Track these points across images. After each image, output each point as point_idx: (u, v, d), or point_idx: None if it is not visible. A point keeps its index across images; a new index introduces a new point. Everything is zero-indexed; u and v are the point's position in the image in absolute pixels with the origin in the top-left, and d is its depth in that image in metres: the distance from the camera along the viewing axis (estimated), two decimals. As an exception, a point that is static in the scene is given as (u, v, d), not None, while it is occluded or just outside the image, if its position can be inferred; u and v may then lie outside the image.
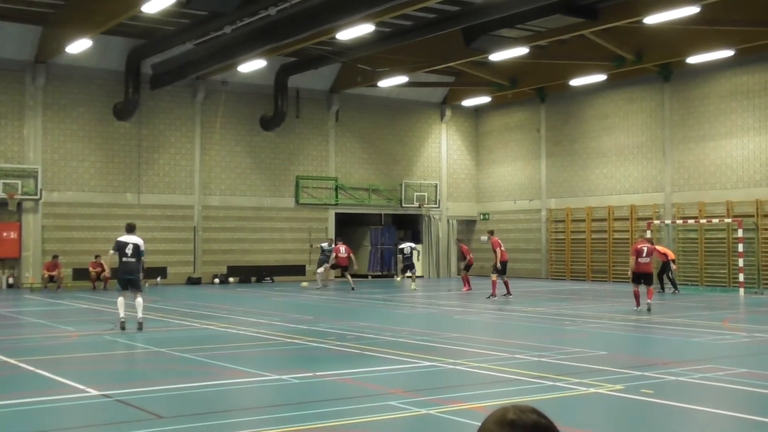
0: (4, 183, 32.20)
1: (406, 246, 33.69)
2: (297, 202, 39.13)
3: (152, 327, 18.29)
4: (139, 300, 17.30)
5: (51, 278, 32.08)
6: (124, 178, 35.35)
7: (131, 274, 17.35)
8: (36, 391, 10.73)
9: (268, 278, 37.15)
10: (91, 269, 32.64)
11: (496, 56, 32.15)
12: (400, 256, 33.90)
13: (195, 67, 32.87)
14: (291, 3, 26.06)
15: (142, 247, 17.49)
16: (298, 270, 38.34)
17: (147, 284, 31.86)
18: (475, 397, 10.20)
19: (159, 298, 27.28)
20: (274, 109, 37.84)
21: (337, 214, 40.20)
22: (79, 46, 30.26)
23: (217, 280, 36.58)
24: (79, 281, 33.25)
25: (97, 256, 32.36)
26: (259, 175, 38.44)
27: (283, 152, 39.04)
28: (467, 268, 31.01)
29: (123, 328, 16.93)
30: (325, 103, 39.92)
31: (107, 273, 31.89)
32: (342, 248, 32.77)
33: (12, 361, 13.11)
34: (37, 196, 33.14)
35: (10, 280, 33.04)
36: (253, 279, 36.84)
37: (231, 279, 36.74)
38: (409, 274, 33.07)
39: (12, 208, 32.75)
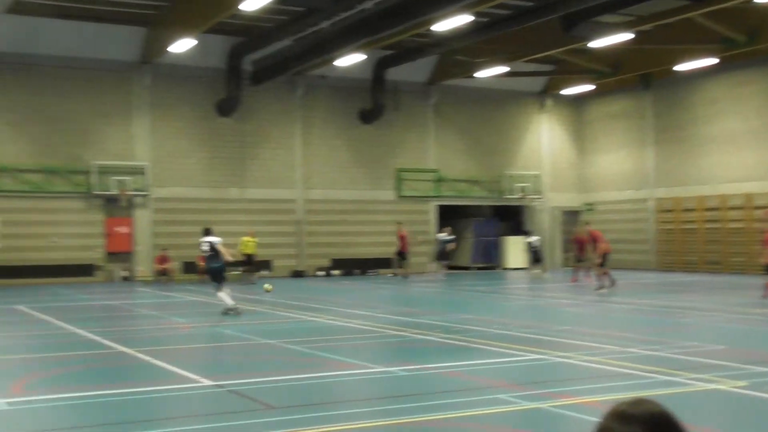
0: (115, 180, 33.29)
1: (535, 239, 33.53)
2: (398, 194, 39.21)
3: (260, 319, 18.61)
4: (221, 294, 19.26)
5: (162, 271, 32.97)
6: (228, 174, 36.04)
7: (216, 269, 19.65)
8: (151, 380, 11.02)
9: (371, 271, 37.36)
10: (199, 263, 33.32)
11: (597, 43, 31.47)
12: (527, 248, 33.80)
13: (294, 62, 33.23)
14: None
15: (216, 244, 19.40)
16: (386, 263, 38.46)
17: (257, 277, 32.51)
18: (588, 392, 9.99)
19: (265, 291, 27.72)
20: (372, 103, 38.01)
21: (438, 207, 40.12)
22: (182, 46, 30.95)
23: (321, 273, 36.99)
24: (188, 274, 34.06)
25: (163, 250, 33.12)
26: (359, 169, 38.65)
27: (382, 145, 39.16)
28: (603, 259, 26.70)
29: (234, 309, 19.00)
30: (423, 95, 39.84)
31: (172, 266, 32.75)
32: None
33: (128, 351, 13.50)
34: (147, 193, 34.11)
35: (124, 274, 34.12)
36: (357, 271, 37.06)
37: (335, 271, 37.08)
38: (537, 266, 33.16)
39: (124, 204, 33.84)
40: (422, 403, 9.39)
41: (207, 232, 20.22)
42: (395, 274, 32.97)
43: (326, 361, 12.54)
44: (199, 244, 20.18)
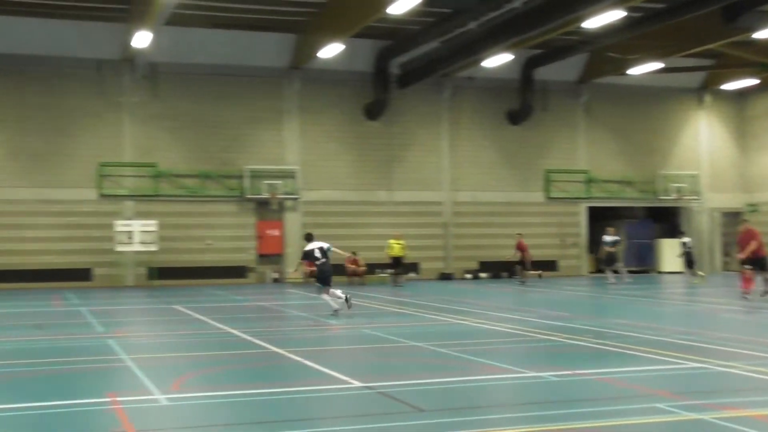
0: (266, 184, 34.19)
1: (687, 240, 32.31)
2: (547, 196, 38.64)
3: (408, 321, 18.68)
4: (326, 297, 20.17)
5: (311, 273, 33.49)
6: (375, 176, 36.42)
7: (327, 274, 20.39)
8: (302, 380, 11.19)
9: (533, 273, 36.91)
10: (347, 265, 33.83)
11: (763, 33, 29.94)
12: (681, 250, 32.39)
13: (441, 64, 33.26)
14: (538, -6, 25.77)
15: (325, 247, 20.31)
16: (549, 265, 37.89)
17: (404, 280, 32.70)
18: (755, 404, 9.44)
19: (412, 293, 27.87)
20: (520, 103, 37.64)
21: (589, 208, 39.30)
22: (330, 51, 31.50)
23: (468, 276, 36.86)
24: (337, 276, 34.47)
25: (353, 253, 33.53)
26: (507, 170, 38.34)
27: (530, 146, 38.70)
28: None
29: (347, 300, 19.71)
30: (573, 94, 39.16)
31: (363, 268, 33.13)
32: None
33: (280, 351, 13.79)
34: (297, 196, 34.88)
35: (275, 275, 34.99)
36: (504, 274, 36.72)
37: (482, 274, 36.88)
38: (691, 269, 31.99)
39: (274, 207, 34.76)
40: (574, 410, 9.15)
41: (310, 238, 21.10)
42: (523, 282, 32.21)
43: (475, 364, 12.44)
44: (303, 255, 21.04)
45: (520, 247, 32.73)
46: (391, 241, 32.49)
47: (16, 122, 32.41)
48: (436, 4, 27.25)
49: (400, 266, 32.65)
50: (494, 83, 37.65)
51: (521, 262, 33.15)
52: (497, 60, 33.06)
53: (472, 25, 29.20)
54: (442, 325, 18.11)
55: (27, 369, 12.43)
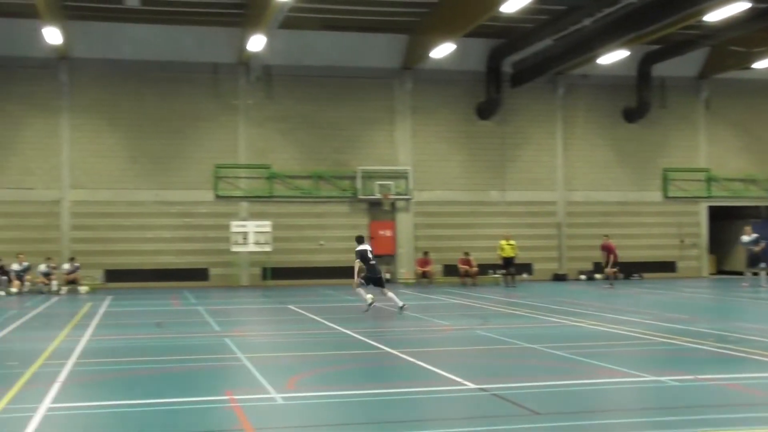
0: (379, 184, 34.41)
1: None
2: (665, 195, 37.71)
3: (522, 323, 18.51)
4: (390, 294, 20.86)
5: (423, 274, 33.67)
6: (488, 176, 36.23)
7: (378, 274, 21.26)
8: (416, 381, 11.21)
9: (636, 275, 36.11)
10: (459, 265, 33.76)
11: None
12: None
13: (554, 62, 32.86)
14: (655, -12, 25.17)
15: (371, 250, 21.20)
16: (667, 267, 36.96)
17: (516, 281, 32.43)
18: None
19: (525, 294, 27.61)
20: (637, 100, 36.87)
21: (709, 208, 38.15)
22: (442, 51, 31.50)
23: (583, 277, 36.28)
24: (449, 277, 34.59)
25: (466, 253, 33.47)
26: (623, 169, 37.60)
27: (648, 144, 37.85)
28: None
29: (371, 305, 20.61)
30: (693, 90, 38.13)
31: (476, 269, 32.97)
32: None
33: (392, 351, 13.85)
34: (409, 196, 35.00)
35: (387, 275, 35.09)
36: (620, 275, 35.95)
37: (597, 275, 36.21)
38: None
39: (387, 208, 34.96)
40: (696, 417, 8.89)
41: (362, 240, 21.84)
42: (611, 286, 31.10)
43: (591, 367, 12.22)
44: (358, 254, 21.16)
45: (607, 248, 31.57)
46: (502, 241, 32.21)
47: (136, 126, 33.55)
48: (550, 1, 26.92)
49: (511, 267, 32.33)
50: (609, 80, 36.97)
51: (615, 264, 31.96)
52: (613, 57, 32.46)
53: (586, 21, 28.74)
54: (556, 327, 17.87)
55: (148, 366, 12.83)
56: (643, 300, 25.25)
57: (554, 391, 10.41)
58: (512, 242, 32.13)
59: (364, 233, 34.65)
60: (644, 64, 36.18)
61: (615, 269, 31.75)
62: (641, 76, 36.57)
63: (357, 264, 21.07)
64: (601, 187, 37.40)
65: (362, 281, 21.18)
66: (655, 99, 37.16)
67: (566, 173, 37.10)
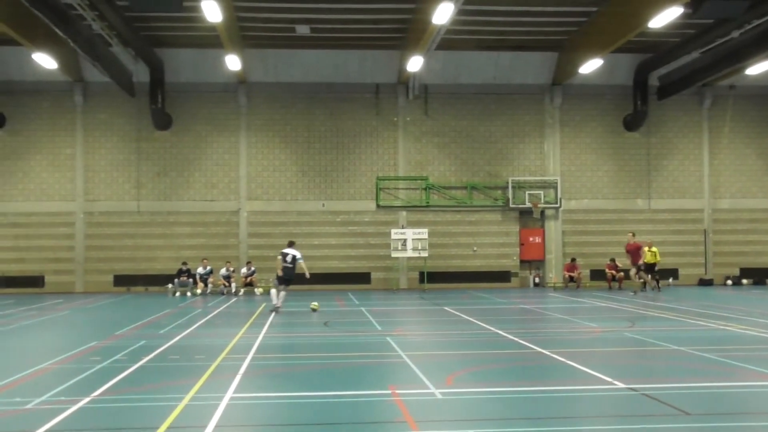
0: (529, 194, 34.05)
1: None
2: (814, 202, 35.64)
3: (669, 326, 17.86)
4: (283, 293, 22.36)
5: (571, 278, 33.07)
6: (634, 185, 35.25)
7: (288, 276, 22.34)
8: (567, 380, 11.01)
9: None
10: (606, 270, 32.97)
11: None
12: None
13: (701, 74, 31.60)
14: (804, -2, 23.81)
15: (298, 257, 22.36)
16: (817, 273, 34.88)
17: (660, 285, 31.33)
18: None
19: (672, 298, 26.64)
20: (786, 109, 35.00)
21: None
22: (590, 66, 30.86)
23: (729, 282, 34.72)
24: (596, 281, 33.84)
25: (612, 259, 32.69)
26: (772, 177, 35.78)
27: (797, 152, 35.86)
28: None
29: (276, 311, 21.83)
30: (844, 98, 35.80)
31: (621, 273, 32.06)
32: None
33: (544, 351, 13.64)
34: (557, 205, 34.46)
35: (536, 280, 34.77)
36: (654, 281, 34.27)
37: (744, 280, 34.58)
38: None
39: (536, 216, 34.54)
40: None
41: (291, 244, 23.02)
42: (634, 292, 29.26)
43: (742, 370, 11.66)
44: (285, 254, 22.35)
45: (632, 250, 29.49)
46: (645, 248, 31.12)
47: (305, 143, 34.46)
48: (697, 15, 25.88)
49: (653, 272, 31.13)
50: (758, 90, 35.26)
51: (649, 267, 30.11)
52: (761, 67, 30.90)
53: (735, 33, 27.50)
54: (704, 330, 17.14)
55: (317, 362, 13.12)
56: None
57: (704, 393, 10.00)
58: (654, 249, 30.98)
59: (514, 240, 34.45)
60: (792, 73, 34.33)
61: (639, 272, 29.72)
62: (789, 85, 34.76)
63: (278, 261, 22.48)
64: (749, 194, 35.70)
65: (276, 280, 22.66)
66: (803, 108, 35.22)
67: (712, 181, 35.59)
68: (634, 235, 30.12)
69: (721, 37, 28.55)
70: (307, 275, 23.49)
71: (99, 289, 33.28)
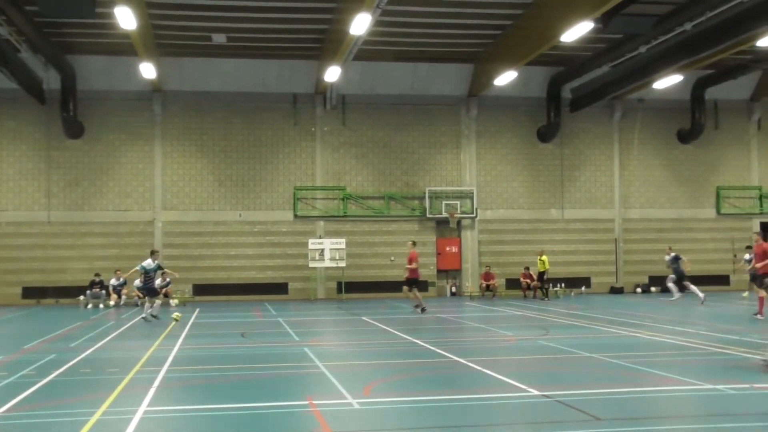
0: (445, 204, 34.42)
1: None
2: (718, 212, 36.97)
3: (581, 333, 18.26)
4: (157, 303, 23.10)
5: (487, 287, 33.51)
6: (548, 195, 35.99)
7: (149, 284, 23.10)
8: (483, 388, 11.13)
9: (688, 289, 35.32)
10: (521, 279, 33.53)
11: None
12: None
13: (611, 87, 32.50)
14: (707, 17, 24.74)
15: (153, 265, 22.82)
16: (720, 280, 36.14)
17: (573, 293, 32.06)
18: None
19: (584, 306, 27.26)
20: (691, 122, 36.29)
21: (762, 223, 37.20)
22: (505, 78, 31.41)
23: (639, 290, 35.72)
24: (511, 290, 34.36)
25: (526, 268, 33.28)
26: (678, 188, 36.98)
27: (701, 164, 37.17)
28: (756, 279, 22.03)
29: (148, 317, 22.50)
30: (746, 112, 37.36)
31: (537, 283, 32.66)
32: None
33: (460, 360, 13.78)
34: (474, 215, 34.94)
35: (453, 289, 35.13)
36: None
37: (653, 288, 35.61)
38: None
39: (452, 226, 34.93)
40: (755, 424, 8.67)
41: (151, 254, 23.53)
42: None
43: (650, 375, 11.99)
44: (147, 266, 22.86)
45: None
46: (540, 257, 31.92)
47: (222, 152, 34.13)
48: (607, 30, 26.64)
49: (542, 280, 31.97)
50: (664, 104, 36.44)
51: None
52: (668, 81, 31.96)
53: (642, 49, 28.39)
54: (615, 337, 17.58)
55: (234, 373, 12.99)
56: (697, 312, 24.69)
57: (615, 398, 10.25)
58: (544, 258, 31.72)
59: (431, 249, 34.72)
60: (698, 87, 35.56)
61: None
62: (695, 99, 35.95)
63: (132, 272, 23.91)
64: (656, 204, 36.84)
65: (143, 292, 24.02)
66: (708, 121, 36.48)
67: (623, 192, 36.61)
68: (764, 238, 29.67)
69: (630, 52, 29.43)
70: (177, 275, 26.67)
71: (6, 302, 32.21)
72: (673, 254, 29.38)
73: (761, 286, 21.17)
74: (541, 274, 31.92)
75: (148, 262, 22.85)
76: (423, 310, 24.57)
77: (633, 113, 36.73)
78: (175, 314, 22.77)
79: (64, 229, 32.99)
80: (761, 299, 21.28)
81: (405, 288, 25.50)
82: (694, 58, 27.92)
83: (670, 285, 29.59)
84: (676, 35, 26.54)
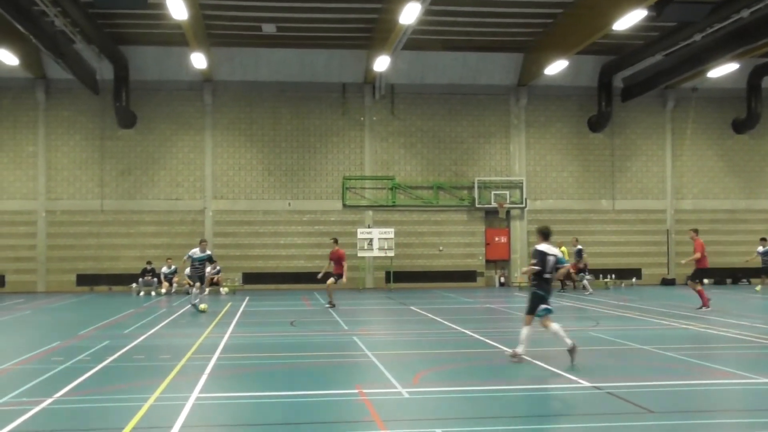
0: (494, 194, 34.23)
1: None
2: (774, 203, 36.25)
3: (632, 325, 18.05)
4: (195, 292, 22.66)
5: (536, 278, 33.19)
6: (599, 186, 35.60)
7: (200, 273, 22.91)
8: (534, 378, 11.08)
9: (744, 280, 34.81)
10: (571, 271, 33.12)
11: None
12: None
13: (664, 76, 31.98)
14: (765, 3, 24.23)
15: (201, 255, 22.66)
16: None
17: (623, 284, 31.69)
18: None
19: (635, 297, 26.95)
20: (747, 111, 35.53)
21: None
22: (555, 68, 31.10)
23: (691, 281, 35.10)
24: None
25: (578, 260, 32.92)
26: (732, 178, 36.30)
27: (757, 154, 36.46)
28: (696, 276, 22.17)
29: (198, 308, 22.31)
30: (804, 100, 36.45)
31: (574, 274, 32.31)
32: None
33: (510, 350, 13.72)
34: (523, 205, 34.69)
35: (501, 279, 34.97)
36: (728, 280, 34.77)
37: (705, 280, 34.93)
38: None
39: (502, 216, 34.73)
40: (812, 419, 8.50)
41: (201, 243, 23.30)
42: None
43: (703, 368, 11.82)
44: (194, 254, 22.81)
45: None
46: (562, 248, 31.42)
47: (272, 142, 34.35)
48: (660, 18, 26.21)
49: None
50: (719, 93, 35.77)
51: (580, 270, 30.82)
52: (722, 70, 31.37)
53: (697, 37, 27.88)
54: (666, 329, 17.35)
55: (284, 361, 13.09)
56: (752, 304, 24.25)
57: (668, 391, 10.12)
58: (563, 249, 31.20)
59: (480, 240, 34.59)
60: (754, 76, 34.85)
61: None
62: (751, 88, 35.24)
63: (183, 261, 24.02)
64: (710, 195, 36.22)
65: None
66: (765, 110, 35.72)
67: (675, 183, 36.06)
68: (697, 232, 28.88)
69: (683, 40, 28.93)
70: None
71: (61, 289, 32.89)
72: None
73: (694, 280, 21.64)
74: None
75: (195, 251, 22.91)
76: (332, 305, 23.52)
77: (686, 102, 36.12)
78: (202, 306, 22.37)
79: (116, 217, 33.53)
80: (700, 292, 21.52)
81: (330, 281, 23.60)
82: (750, 46, 27.34)
83: None
84: (732, 23, 26.03)
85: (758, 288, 29.82)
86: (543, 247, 12.55)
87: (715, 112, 36.34)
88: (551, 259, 12.40)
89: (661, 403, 9.36)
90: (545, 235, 12.74)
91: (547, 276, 12.41)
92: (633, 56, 32.13)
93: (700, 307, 21.39)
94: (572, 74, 33.95)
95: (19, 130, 33.36)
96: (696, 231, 22.60)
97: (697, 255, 21.64)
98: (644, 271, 35.57)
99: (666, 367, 12.04)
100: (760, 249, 28.71)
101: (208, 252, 23.23)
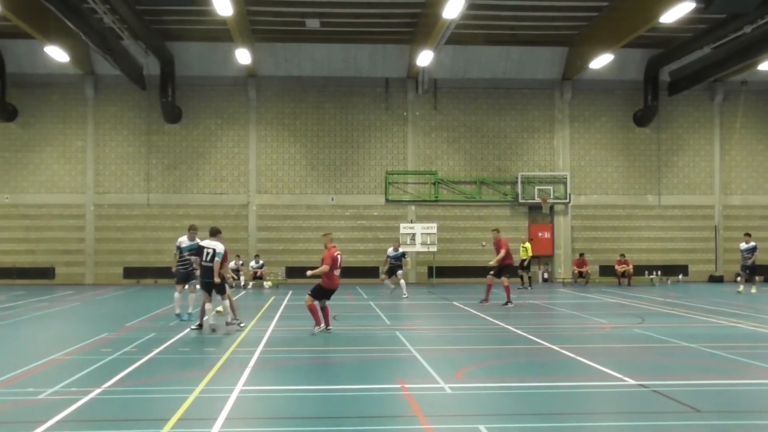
0: (538, 189, 34.01)
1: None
2: (825, 199, 35.50)
3: (678, 322, 17.81)
4: (222, 304, 16.44)
5: (580, 274, 33.03)
6: (644, 181, 35.19)
7: (209, 278, 15.87)
8: (577, 375, 10.99)
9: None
10: (616, 266, 32.94)
11: None
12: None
13: (713, 69, 31.49)
14: (817, -6, 23.69)
15: (219, 250, 15.83)
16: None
17: (669, 281, 31.29)
18: None
19: (681, 294, 26.59)
20: (798, 105, 34.86)
21: None
22: (600, 62, 30.79)
23: (739, 279, 34.49)
24: (605, 277, 33.79)
25: (622, 255, 32.68)
26: (784, 173, 35.68)
27: (809, 149, 35.75)
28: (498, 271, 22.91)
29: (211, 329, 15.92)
30: None
31: (632, 269, 32.04)
32: None
33: (553, 347, 13.63)
34: (567, 200, 34.41)
35: (545, 275, 34.74)
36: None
37: (757, 277, 34.35)
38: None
39: (545, 211, 34.49)
40: None
41: (214, 233, 16.38)
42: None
43: (751, 368, 11.62)
44: (202, 249, 16.17)
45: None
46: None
47: (315, 137, 34.48)
48: (709, 10, 25.76)
49: (524, 268, 30.70)
50: (769, 86, 35.17)
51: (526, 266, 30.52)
52: (772, 63, 30.80)
53: (747, 29, 27.38)
54: (714, 327, 17.09)
55: (327, 355, 13.15)
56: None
57: (715, 390, 9.97)
58: (527, 245, 30.74)
59: (523, 235, 34.36)
60: (805, 69, 34.18)
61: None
62: (802, 81, 34.62)
63: (194, 260, 17.95)
64: (760, 191, 35.60)
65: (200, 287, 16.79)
66: (815, 104, 35.09)
67: (723, 178, 35.50)
68: (499, 231, 28.08)
69: (733, 33, 28.43)
70: (231, 283, 17.97)
71: (109, 281, 33.40)
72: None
73: (499, 276, 22.72)
74: (522, 262, 30.79)
75: (183, 240, 18.83)
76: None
77: (735, 96, 35.52)
78: (219, 308, 16.96)
79: (162, 211, 33.94)
80: (507, 288, 22.50)
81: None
82: (801, 39, 26.82)
83: None
84: (783, 15, 25.52)
85: (740, 289, 28.15)
86: None
87: (766, 106, 35.70)
88: None
89: (709, 402, 9.22)
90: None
91: None
92: (680, 49, 31.65)
93: (481, 302, 22.67)
94: (618, 68, 33.59)
95: (69, 125, 33.92)
96: (498, 230, 24.05)
97: (503, 253, 22.65)
98: (691, 268, 35.09)
99: (713, 366, 11.86)
100: (743, 246, 27.75)
101: (198, 240, 18.01)
